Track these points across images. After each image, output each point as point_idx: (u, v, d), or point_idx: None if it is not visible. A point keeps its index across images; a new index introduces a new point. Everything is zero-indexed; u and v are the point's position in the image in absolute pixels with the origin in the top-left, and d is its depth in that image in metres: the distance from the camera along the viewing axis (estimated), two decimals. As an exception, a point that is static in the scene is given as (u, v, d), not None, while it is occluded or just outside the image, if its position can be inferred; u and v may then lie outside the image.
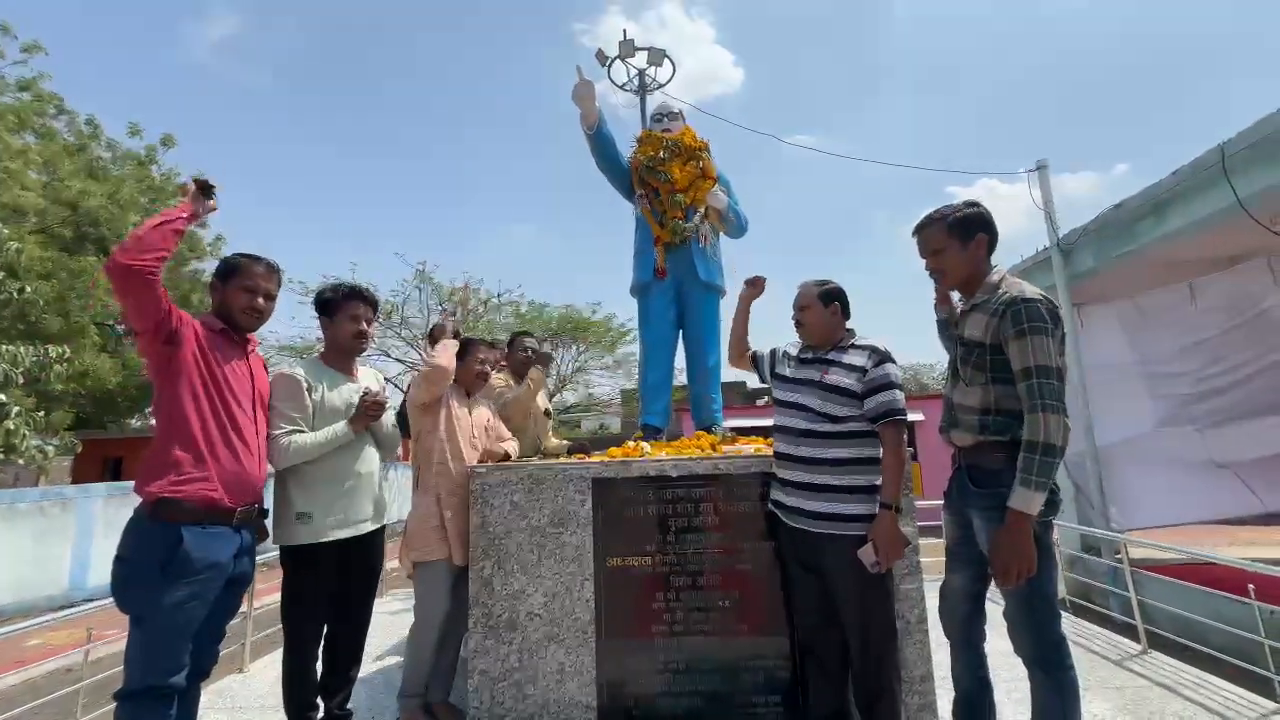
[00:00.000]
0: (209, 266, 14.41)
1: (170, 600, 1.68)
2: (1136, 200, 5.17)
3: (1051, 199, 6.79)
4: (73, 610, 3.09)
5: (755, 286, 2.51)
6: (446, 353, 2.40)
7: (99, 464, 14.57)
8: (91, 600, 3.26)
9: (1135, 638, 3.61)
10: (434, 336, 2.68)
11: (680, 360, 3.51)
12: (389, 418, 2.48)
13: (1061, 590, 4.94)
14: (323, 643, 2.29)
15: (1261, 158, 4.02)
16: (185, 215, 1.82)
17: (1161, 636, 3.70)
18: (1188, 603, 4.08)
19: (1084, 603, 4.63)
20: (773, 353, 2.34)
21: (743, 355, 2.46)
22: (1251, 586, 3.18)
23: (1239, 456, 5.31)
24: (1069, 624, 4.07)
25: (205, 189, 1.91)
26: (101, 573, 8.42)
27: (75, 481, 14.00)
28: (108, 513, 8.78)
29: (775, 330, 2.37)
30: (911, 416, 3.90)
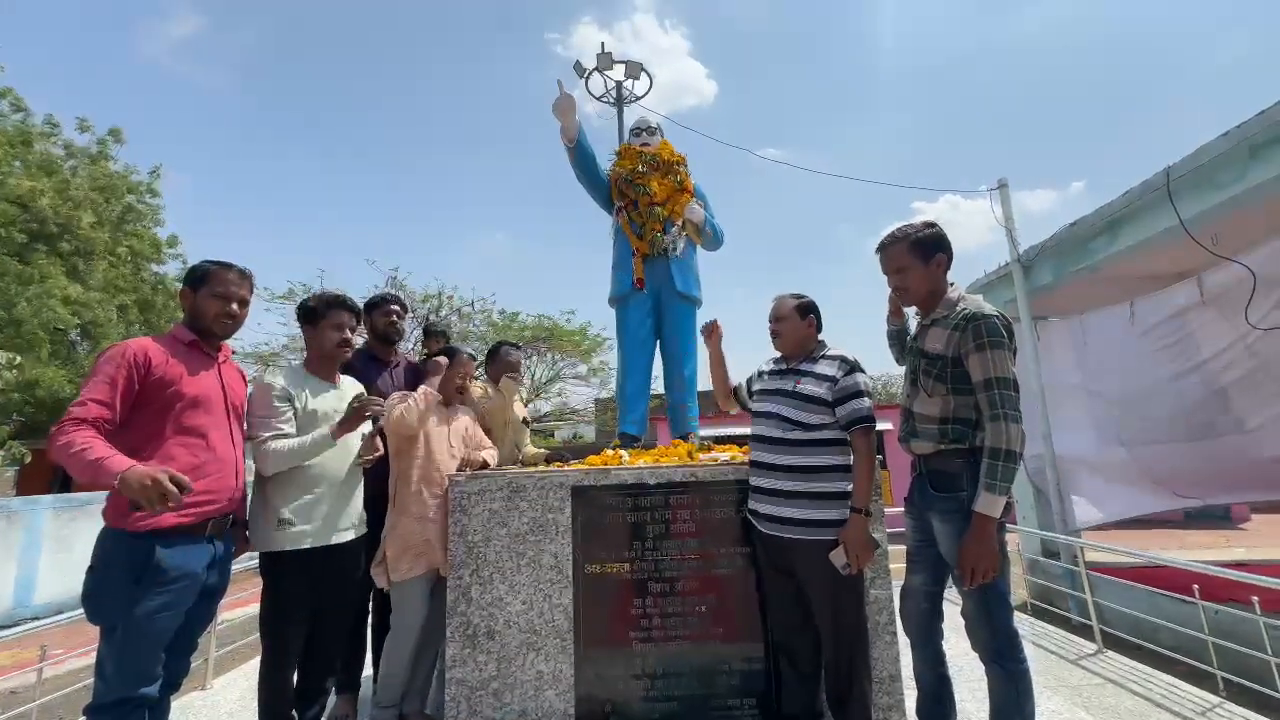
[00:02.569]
0: (170, 269, 13.94)
1: (143, 610, 1.65)
2: (1090, 219, 5.44)
3: (1012, 216, 7.08)
4: (21, 629, 2.95)
5: (714, 335, 2.53)
6: (429, 401, 2.40)
7: (47, 475, 13.89)
8: (37, 619, 3.13)
9: (1091, 638, 3.76)
10: (435, 365, 2.63)
11: (658, 369, 3.57)
12: (366, 425, 2.45)
13: (1023, 593, 5.13)
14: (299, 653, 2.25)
15: (1202, 182, 4.29)
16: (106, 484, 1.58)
17: (1116, 636, 3.87)
18: (1140, 604, 4.27)
19: (1043, 605, 4.80)
20: (749, 379, 2.41)
21: (728, 395, 2.50)
22: (1196, 587, 3.36)
23: (1167, 472, 5.61)
24: (1029, 625, 4.23)
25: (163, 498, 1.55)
26: (48, 589, 8.05)
27: (21, 493, 13.33)
28: (56, 526, 8.39)
29: (756, 339, 2.42)
30: (881, 426, 4.02)
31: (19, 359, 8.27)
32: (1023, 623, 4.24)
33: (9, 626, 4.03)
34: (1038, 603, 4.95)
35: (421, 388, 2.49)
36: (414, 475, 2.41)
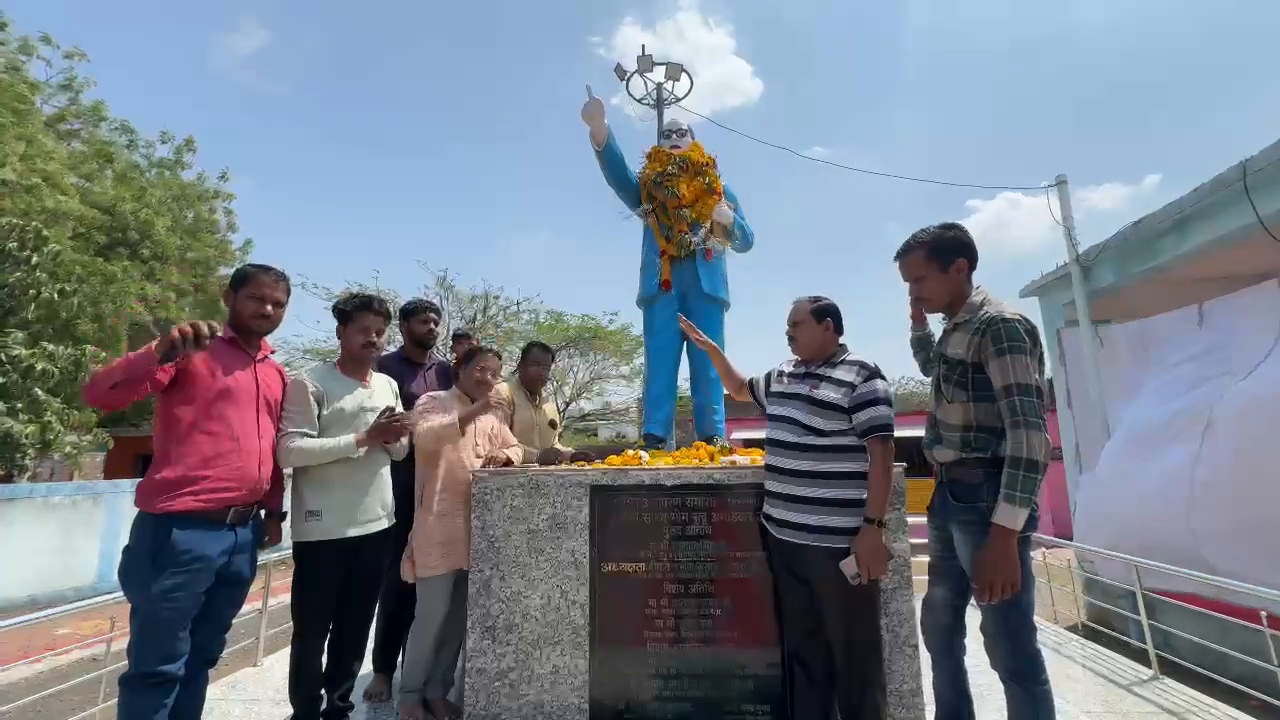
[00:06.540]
0: (237, 272, 14.82)
1: (158, 589, 1.77)
2: (1157, 217, 5.11)
3: (1071, 214, 6.71)
4: (97, 600, 3.21)
5: (690, 331, 2.71)
6: (452, 432, 2.47)
7: (131, 460, 15.05)
8: (116, 592, 3.39)
9: (1146, 663, 3.53)
10: (466, 360, 2.71)
11: (686, 372, 3.57)
12: (402, 446, 2.53)
13: (1078, 615, 4.85)
14: (329, 636, 2.38)
15: (1282, 176, 3.96)
16: (148, 367, 1.75)
17: (1173, 662, 3.61)
18: (1204, 629, 3.97)
19: (1097, 626, 4.53)
20: (767, 376, 2.38)
21: (740, 388, 2.51)
22: (1264, 614, 3.10)
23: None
24: (1079, 647, 4.00)
25: (195, 339, 1.76)
26: (128, 566, 8.72)
27: (107, 477, 14.45)
28: (135, 508, 9.05)
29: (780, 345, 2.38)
30: (911, 433, 3.88)
31: (104, 354, 8.98)
32: (1073, 644, 4.01)
33: (93, 599, 4.39)
34: (1091, 624, 4.66)
35: (448, 414, 2.52)
36: (439, 475, 2.49)
